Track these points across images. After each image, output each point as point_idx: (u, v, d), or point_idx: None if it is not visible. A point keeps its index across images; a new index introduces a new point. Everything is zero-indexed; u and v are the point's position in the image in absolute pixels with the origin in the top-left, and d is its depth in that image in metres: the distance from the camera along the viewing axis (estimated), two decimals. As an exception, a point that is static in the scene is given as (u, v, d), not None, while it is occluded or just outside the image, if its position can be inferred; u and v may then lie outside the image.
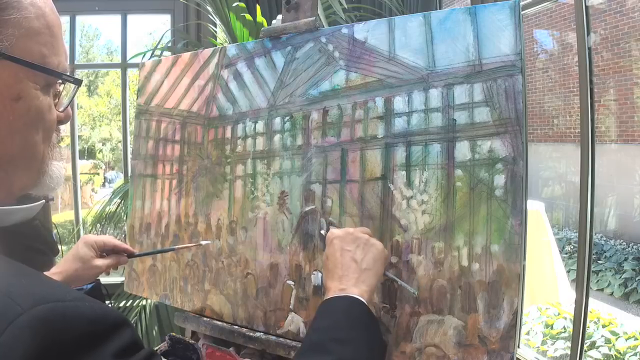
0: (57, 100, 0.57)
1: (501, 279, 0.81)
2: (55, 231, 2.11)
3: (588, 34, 1.28)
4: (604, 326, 2.95)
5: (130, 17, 2.65)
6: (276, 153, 1.07)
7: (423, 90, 0.90)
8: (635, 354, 2.74)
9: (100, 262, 0.99)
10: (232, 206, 1.14)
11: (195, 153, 1.22)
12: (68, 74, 0.56)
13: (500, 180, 0.82)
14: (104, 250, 1.02)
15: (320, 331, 0.69)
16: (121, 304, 2.23)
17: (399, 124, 0.92)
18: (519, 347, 1.38)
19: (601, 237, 6.02)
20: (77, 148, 2.74)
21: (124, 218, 2.18)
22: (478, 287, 0.83)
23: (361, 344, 0.68)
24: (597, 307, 3.46)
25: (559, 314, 2.96)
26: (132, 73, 2.73)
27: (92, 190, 10.77)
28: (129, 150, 2.59)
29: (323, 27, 1.04)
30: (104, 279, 1.04)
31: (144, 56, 2.47)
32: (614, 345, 2.80)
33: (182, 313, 1.20)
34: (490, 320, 0.81)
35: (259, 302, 1.08)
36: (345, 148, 0.98)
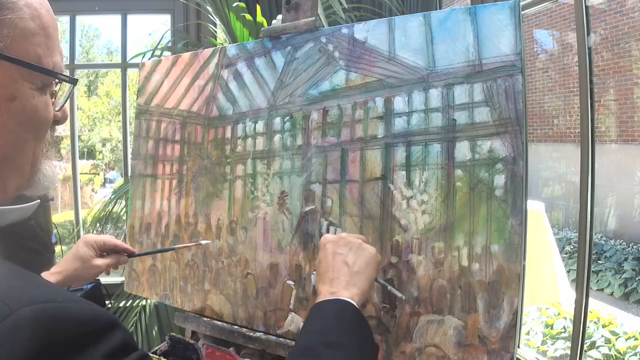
0: (54, 99, 0.58)
1: (501, 279, 0.81)
2: (55, 231, 2.11)
3: (588, 34, 1.28)
4: (604, 326, 2.95)
5: (130, 17, 2.65)
6: (276, 153, 1.07)
7: (423, 90, 0.90)
8: (635, 354, 2.74)
9: (100, 261, 0.99)
10: (232, 206, 1.14)
11: (195, 153, 1.22)
12: (64, 74, 0.56)
13: (500, 180, 0.82)
14: (104, 250, 1.01)
15: (311, 335, 0.69)
16: (121, 304, 2.23)
17: (399, 124, 0.92)
18: (519, 347, 1.38)
19: (601, 237, 6.02)
20: (77, 148, 2.74)
21: (124, 218, 2.18)
22: (478, 287, 0.83)
23: (352, 347, 0.67)
24: (597, 307, 3.46)
25: (559, 314, 2.96)
26: (132, 73, 2.73)
27: (92, 190, 10.77)
28: (129, 150, 2.59)
29: (323, 27, 1.04)
30: (104, 279, 1.04)
31: (144, 56, 2.47)
32: (614, 345, 2.80)
33: (182, 313, 1.20)
34: (490, 320, 0.81)
35: (259, 302, 1.08)
36: (345, 148, 0.98)
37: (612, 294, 4.91)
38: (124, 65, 2.64)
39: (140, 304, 2.23)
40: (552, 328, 2.92)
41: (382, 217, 0.93)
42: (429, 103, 0.89)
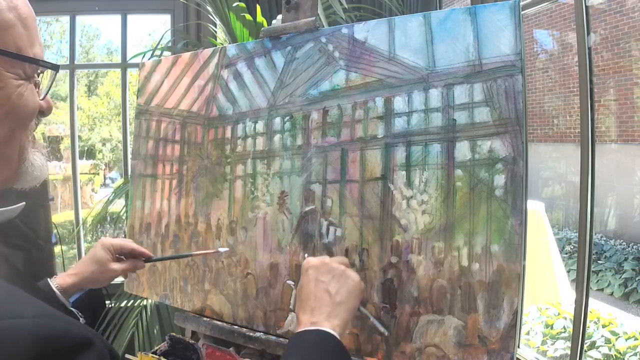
0: (37, 90, 0.58)
1: (501, 279, 0.81)
2: (55, 231, 2.11)
3: (588, 34, 1.28)
4: (604, 326, 2.95)
5: (130, 17, 2.65)
6: (276, 153, 1.07)
7: (423, 90, 0.90)
8: (635, 354, 2.74)
9: (116, 265, 0.98)
10: (232, 206, 1.14)
11: (195, 153, 1.22)
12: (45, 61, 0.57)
13: (500, 180, 0.82)
14: (121, 254, 1.00)
15: None
16: (122, 304, 2.23)
17: (399, 124, 0.92)
18: (519, 347, 1.38)
19: (601, 237, 6.02)
20: (77, 148, 2.74)
21: (124, 218, 2.18)
22: (478, 287, 0.83)
23: None
24: (597, 307, 3.46)
25: (559, 314, 2.96)
26: (131, 73, 2.73)
27: (92, 190, 10.77)
28: (129, 150, 2.59)
29: (323, 27, 1.04)
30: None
31: (144, 56, 2.47)
32: (614, 345, 2.80)
33: (182, 313, 1.20)
34: (490, 320, 0.81)
35: (259, 302, 1.08)
36: (345, 148, 0.98)
37: (612, 294, 4.91)
38: (124, 65, 2.64)
39: (141, 304, 2.23)
40: (552, 328, 2.92)
41: (382, 217, 0.93)
42: (429, 103, 0.89)
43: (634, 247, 5.58)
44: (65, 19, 2.61)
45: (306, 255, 0.98)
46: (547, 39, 7.80)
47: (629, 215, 6.10)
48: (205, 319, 1.16)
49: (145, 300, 2.22)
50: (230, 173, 1.15)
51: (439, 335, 0.86)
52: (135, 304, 2.24)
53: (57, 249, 2.13)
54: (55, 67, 0.59)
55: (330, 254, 0.98)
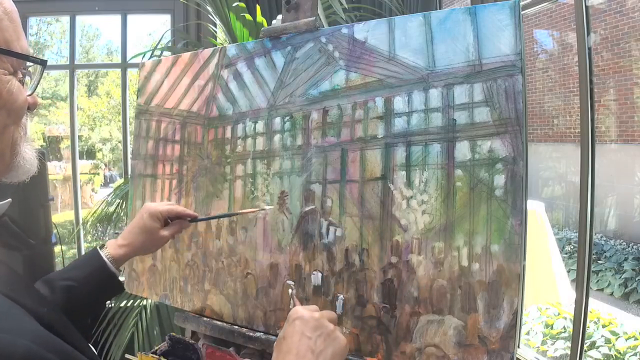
0: (24, 86, 0.58)
1: (501, 279, 0.81)
2: (55, 231, 2.11)
3: (588, 34, 1.28)
4: (604, 326, 2.95)
5: (130, 17, 2.65)
6: (276, 153, 1.07)
7: (423, 90, 0.90)
8: (635, 354, 2.74)
9: (166, 232, 0.99)
10: (232, 206, 1.14)
11: (195, 153, 1.22)
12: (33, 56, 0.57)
13: (500, 180, 0.82)
14: (169, 218, 1.01)
15: None
16: (122, 304, 2.23)
17: (399, 124, 0.92)
18: (519, 347, 1.38)
19: (601, 237, 6.02)
20: (77, 148, 2.74)
21: (124, 218, 2.18)
22: (478, 287, 0.83)
23: None
24: (597, 307, 3.46)
25: (559, 314, 2.96)
26: (131, 73, 2.73)
27: (92, 190, 10.76)
28: (129, 150, 2.59)
29: (323, 27, 1.04)
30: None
31: (144, 56, 2.47)
32: (614, 345, 2.80)
33: (182, 313, 1.20)
34: (490, 320, 0.81)
35: (259, 302, 1.08)
36: (345, 148, 0.98)
37: (612, 294, 4.92)
38: (124, 65, 2.64)
39: (141, 304, 2.24)
40: (552, 328, 2.92)
41: (382, 217, 0.93)
42: (429, 103, 0.89)
43: (634, 247, 5.58)
44: (65, 19, 2.62)
45: (293, 296, 0.96)
46: (547, 39, 7.80)
47: (629, 215, 6.11)
48: (205, 319, 1.16)
49: (145, 300, 2.22)
50: (230, 173, 1.15)
51: (439, 335, 0.86)
52: (135, 304, 2.24)
53: (57, 249, 2.13)
54: (44, 63, 0.59)
55: (331, 254, 0.98)
